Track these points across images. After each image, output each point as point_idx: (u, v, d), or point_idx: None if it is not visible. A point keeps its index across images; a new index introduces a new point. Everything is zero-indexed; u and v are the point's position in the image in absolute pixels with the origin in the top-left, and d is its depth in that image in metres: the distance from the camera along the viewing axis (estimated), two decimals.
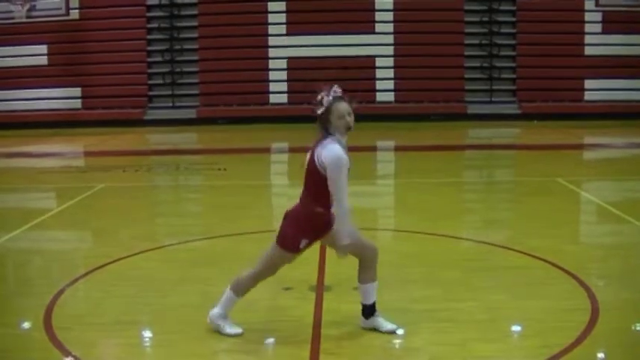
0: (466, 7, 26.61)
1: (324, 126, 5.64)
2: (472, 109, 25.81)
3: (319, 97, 5.65)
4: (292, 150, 17.56)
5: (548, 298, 6.65)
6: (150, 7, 27.12)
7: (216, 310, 5.94)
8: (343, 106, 5.65)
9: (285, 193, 13.66)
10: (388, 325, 5.94)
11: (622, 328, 6.04)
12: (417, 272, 7.59)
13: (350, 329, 5.99)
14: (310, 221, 5.71)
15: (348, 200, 5.63)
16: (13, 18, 25.61)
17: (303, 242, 5.74)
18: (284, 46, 26.16)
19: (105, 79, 26.26)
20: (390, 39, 26.19)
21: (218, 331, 5.91)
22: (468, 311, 6.35)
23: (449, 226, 9.87)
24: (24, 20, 25.78)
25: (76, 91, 26.54)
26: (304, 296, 6.76)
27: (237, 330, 5.92)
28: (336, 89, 5.70)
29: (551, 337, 5.75)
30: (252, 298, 6.72)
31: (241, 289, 5.95)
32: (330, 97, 5.65)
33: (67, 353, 5.61)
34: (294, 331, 5.98)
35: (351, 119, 5.66)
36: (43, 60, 26.55)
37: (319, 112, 5.63)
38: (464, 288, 7.02)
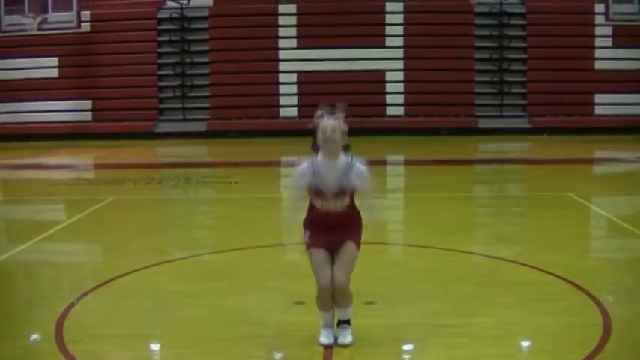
0: (476, 22, 26.61)
1: (313, 139, 5.87)
2: (482, 124, 25.76)
3: (316, 112, 5.88)
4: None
5: (560, 314, 6.63)
6: (161, 21, 27.19)
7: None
8: (326, 123, 5.79)
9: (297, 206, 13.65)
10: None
11: (634, 344, 6.02)
12: (428, 287, 7.58)
13: (362, 343, 5.98)
14: (358, 215, 6.06)
15: None
16: (25, 30, 25.69)
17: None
18: (294, 60, 26.18)
19: (115, 91, 26.31)
20: (400, 53, 26.18)
21: None
22: (480, 326, 6.33)
23: (460, 240, 9.85)
24: (35, 33, 25.87)
25: (87, 104, 26.59)
26: (316, 310, 6.73)
27: (322, 340, 5.98)
28: (331, 113, 5.84)
29: (564, 353, 5.74)
30: (263, 311, 6.74)
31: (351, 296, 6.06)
32: (321, 115, 5.83)
33: None
34: (306, 345, 5.96)
35: (331, 135, 5.76)
36: (54, 72, 26.62)
37: (310, 126, 5.89)
38: (476, 303, 7.01)
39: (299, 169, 5.90)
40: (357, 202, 5.99)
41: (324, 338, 5.96)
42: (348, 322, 6.04)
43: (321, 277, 5.90)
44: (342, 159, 5.83)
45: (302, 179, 5.87)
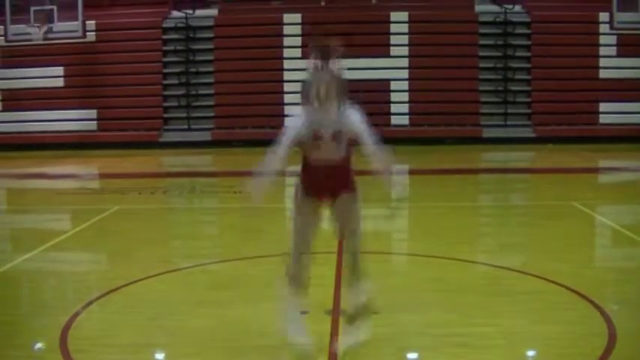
0: (481, 31, 26.60)
1: (306, 90, 5.83)
2: (487, 133, 25.73)
3: (313, 52, 5.85)
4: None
5: (564, 323, 6.62)
6: (166, 30, 27.24)
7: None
8: (319, 81, 5.76)
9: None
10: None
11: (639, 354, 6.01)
12: (433, 297, 7.57)
13: (366, 353, 5.97)
14: (353, 170, 5.98)
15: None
16: (30, 40, 25.73)
17: None
18: (299, 70, 26.18)
19: (121, 101, 26.35)
20: (405, 62, 26.19)
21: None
22: (485, 336, 6.33)
23: (464, 250, 9.85)
24: (41, 42, 25.89)
25: (92, 113, 26.62)
26: (320, 320, 6.73)
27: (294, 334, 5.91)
28: (329, 63, 5.81)
29: None
30: (268, 321, 6.73)
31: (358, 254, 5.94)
32: (315, 68, 5.83)
33: None
34: (310, 355, 5.95)
35: (325, 95, 5.70)
36: (60, 82, 26.66)
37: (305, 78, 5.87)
38: (480, 312, 7.00)
39: (292, 121, 5.81)
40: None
41: (296, 333, 5.85)
42: (367, 308, 5.93)
43: (299, 237, 5.84)
44: (334, 107, 5.77)
45: (296, 130, 5.76)
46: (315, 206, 5.86)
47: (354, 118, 5.74)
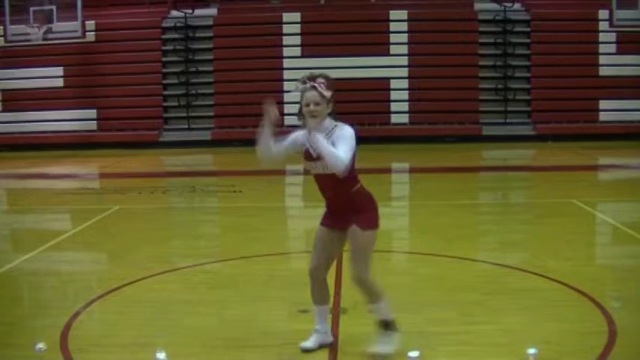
0: (480, 29, 26.62)
1: (299, 107, 5.90)
2: (487, 131, 25.75)
3: (299, 80, 5.92)
4: (307, 172, 17.43)
5: (565, 321, 6.61)
6: (165, 30, 27.26)
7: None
8: (308, 96, 5.81)
9: (300, 215, 13.67)
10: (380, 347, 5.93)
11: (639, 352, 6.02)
12: (433, 295, 7.57)
13: (366, 351, 5.97)
14: (365, 197, 5.95)
15: None
16: (30, 40, 25.75)
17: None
18: (299, 68, 26.17)
19: (120, 101, 26.38)
20: (405, 61, 26.19)
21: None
22: (485, 334, 6.32)
23: (464, 248, 9.85)
24: (40, 42, 25.90)
25: (92, 113, 26.67)
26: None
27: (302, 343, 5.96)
28: (315, 81, 5.86)
29: None
30: (268, 320, 6.74)
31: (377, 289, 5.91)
32: (304, 85, 5.87)
33: None
34: (311, 354, 5.95)
35: (314, 109, 5.76)
36: (59, 82, 26.70)
37: (294, 92, 5.95)
38: (480, 311, 6.99)
39: (296, 132, 5.94)
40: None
41: (305, 342, 5.94)
42: (384, 325, 5.94)
43: (310, 259, 5.93)
44: (327, 122, 5.80)
45: (295, 139, 5.94)
46: (331, 235, 5.90)
47: (339, 138, 5.69)
